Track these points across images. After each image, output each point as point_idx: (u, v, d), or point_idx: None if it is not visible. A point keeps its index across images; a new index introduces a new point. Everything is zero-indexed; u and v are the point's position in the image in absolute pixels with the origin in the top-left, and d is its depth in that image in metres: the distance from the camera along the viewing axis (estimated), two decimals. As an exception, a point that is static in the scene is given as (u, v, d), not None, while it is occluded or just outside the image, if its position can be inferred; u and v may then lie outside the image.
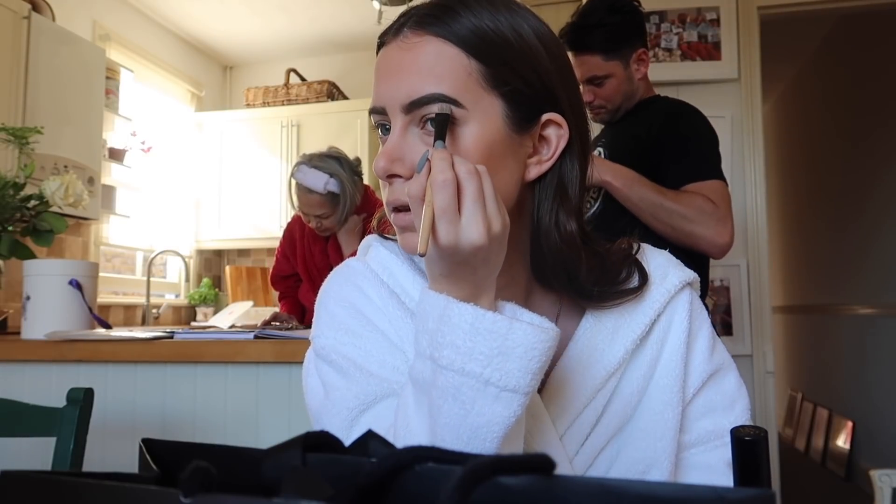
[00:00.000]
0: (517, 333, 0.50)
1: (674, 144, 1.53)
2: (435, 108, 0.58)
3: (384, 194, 0.63)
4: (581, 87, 1.65)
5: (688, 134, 1.54)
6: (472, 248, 0.52)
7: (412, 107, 0.59)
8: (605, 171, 1.49)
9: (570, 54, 1.63)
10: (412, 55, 0.59)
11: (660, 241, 0.77)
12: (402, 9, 0.71)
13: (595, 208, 1.60)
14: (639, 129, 1.59)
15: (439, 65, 0.58)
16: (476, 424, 0.51)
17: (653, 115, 1.60)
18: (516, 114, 0.60)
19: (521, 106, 0.60)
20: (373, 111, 0.63)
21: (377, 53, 0.64)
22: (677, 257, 0.73)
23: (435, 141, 0.56)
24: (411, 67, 0.59)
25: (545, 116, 0.62)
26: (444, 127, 0.57)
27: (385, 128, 0.63)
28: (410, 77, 0.59)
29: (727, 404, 0.68)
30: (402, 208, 0.61)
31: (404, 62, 0.60)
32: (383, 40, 0.64)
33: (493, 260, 0.54)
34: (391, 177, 0.60)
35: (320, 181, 2.05)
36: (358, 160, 2.21)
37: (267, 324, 2.22)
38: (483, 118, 0.59)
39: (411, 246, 0.62)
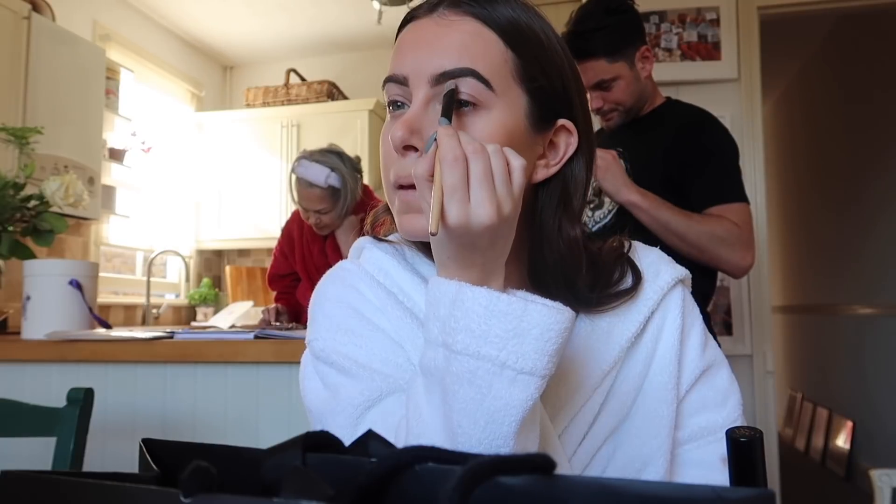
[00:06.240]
0: (532, 315, 0.50)
1: (696, 158, 1.52)
2: (464, 83, 0.57)
3: (392, 171, 0.61)
4: (587, 94, 1.64)
5: (711, 148, 1.53)
6: (482, 227, 0.51)
7: (442, 78, 0.58)
8: (632, 191, 1.47)
9: None
10: (449, 30, 0.59)
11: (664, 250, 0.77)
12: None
13: (607, 220, 1.58)
14: (665, 140, 1.57)
15: (475, 45, 0.58)
16: (493, 408, 0.49)
17: (671, 126, 1.58)
18: (537, 112, 0.61)
19: (543, 105, 0.61)
20: (392, 80, 0.61)
21: (400, 29, 0.63)
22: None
23: (440, 118, 0.55)
24: (446, 40, 0.59)
25: (560, 122, 0.63)
26: (451, 103, 0.56)
27: (397, 104, 0.62)
28: (445, 49, 0.58)
29: (720, 400, 0.68)
30: (409, 186, 0.58)
31: (440, 34, 0.59)
32: (414, 14, 0.63)
33: (501, 242, 0.54)
34: (406, 148, 0.59)
35: (321, 175, 2.06)
36: (358, 158, 2.23)
37: (266, 323, 2.22)
38: (508, 107, 0.59)
39: (413, 229, 0.60)
